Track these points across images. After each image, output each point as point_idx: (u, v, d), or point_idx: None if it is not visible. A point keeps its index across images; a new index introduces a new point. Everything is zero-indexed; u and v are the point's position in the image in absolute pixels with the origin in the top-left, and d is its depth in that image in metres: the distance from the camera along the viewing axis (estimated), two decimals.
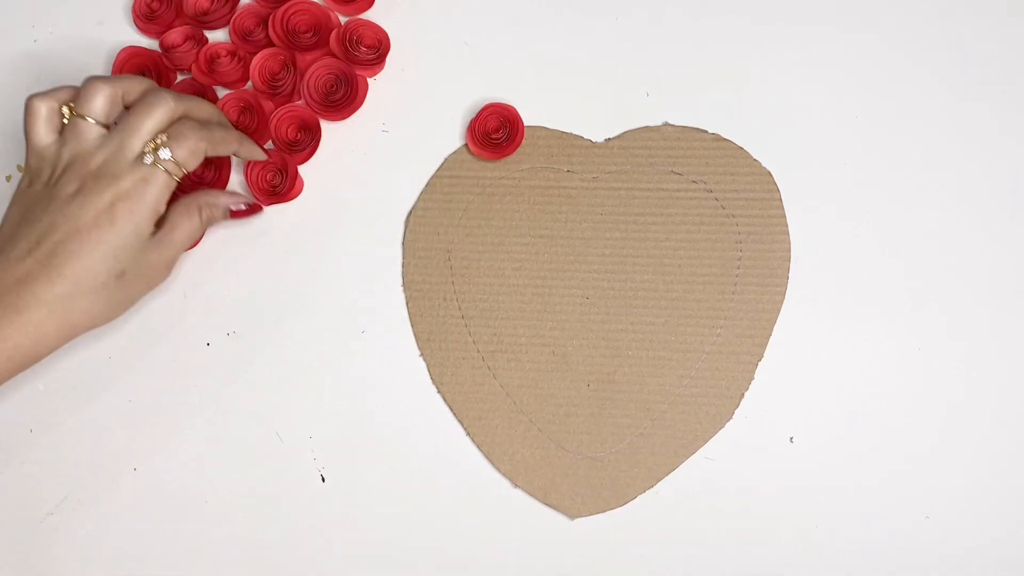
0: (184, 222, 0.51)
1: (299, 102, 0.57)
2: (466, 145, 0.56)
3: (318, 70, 0.57)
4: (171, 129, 0.49)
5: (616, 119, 0.56)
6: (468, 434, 0.54)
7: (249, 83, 0.58)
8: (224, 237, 0.57)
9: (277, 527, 0.54)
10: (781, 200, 0.55)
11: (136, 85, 0.50)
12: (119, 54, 0.58)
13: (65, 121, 0.49)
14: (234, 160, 0.58)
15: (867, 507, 0.52)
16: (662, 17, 0.58)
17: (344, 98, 0.57)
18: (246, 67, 0.58)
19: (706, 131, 0.56)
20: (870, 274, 0.54)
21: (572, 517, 0.53)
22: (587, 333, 0.54)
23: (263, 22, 0.58)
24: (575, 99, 0.57)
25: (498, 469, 0.54)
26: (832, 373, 0.53)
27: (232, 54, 0.57)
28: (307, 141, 0.57)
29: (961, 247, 0.54)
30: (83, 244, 0.47)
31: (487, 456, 0.54)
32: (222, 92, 0.58)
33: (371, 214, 0.57)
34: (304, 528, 0.54)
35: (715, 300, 0.54)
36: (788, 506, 0.52)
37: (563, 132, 0.56)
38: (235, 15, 0.58)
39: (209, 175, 0.57)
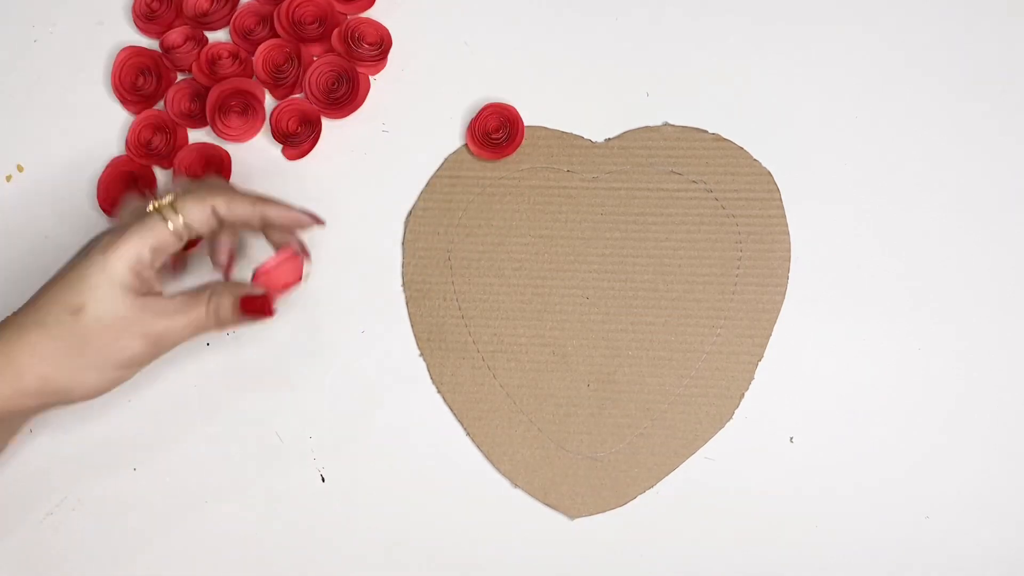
0: (184, 300, 0.45)
1: (299, 95, 0.57)
2: (466, 145, 0.56)
3: (320, 67, 0.57)
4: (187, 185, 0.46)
5: (616, 119, 0.56)
6: (468, 434, 0.54)
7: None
8: None
9: (277, 527, 0.54)
10: (781, 200, 0.55)
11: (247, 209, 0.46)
12: (119, 54, 0.58)
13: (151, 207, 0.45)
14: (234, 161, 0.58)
15: (867, 507, 0.52)
16: (662, 17, 0.58)
17: (346, 96, 0.57)
18: (247, 67, 0.58)
19: (706, 131, 0.56)
20: (870, 274, 0.54)
21: (572, 517, 0.53)
22: (587, 333, 0.54)
23: (264, 21, 0.58)
24: (575, 99, 0.57)
25: (498, 469, 0.54)
26: (832, 373, 0.53)
27: (233, 55, 0.57)
28: (307, 134, 0.57)
29: (961, 247, 0.54)
30: (54, 277, 0.44)
31: (487, 456, 0.54)
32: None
33: (371, 214, 0.57)
34: (304, 528, 0.54)
35: (715, 300, 0.54)
36: (788, 506, 0.52)
37: (563, 132, 0.56)
38: (235, 14, 0.58)
39: (209, 175, 0.57)
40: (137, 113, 0.58)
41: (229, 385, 0.55)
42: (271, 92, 0.58)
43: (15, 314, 0.44)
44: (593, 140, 0.56)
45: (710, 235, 0.54)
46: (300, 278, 0.49)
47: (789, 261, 0.54)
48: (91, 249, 0.44)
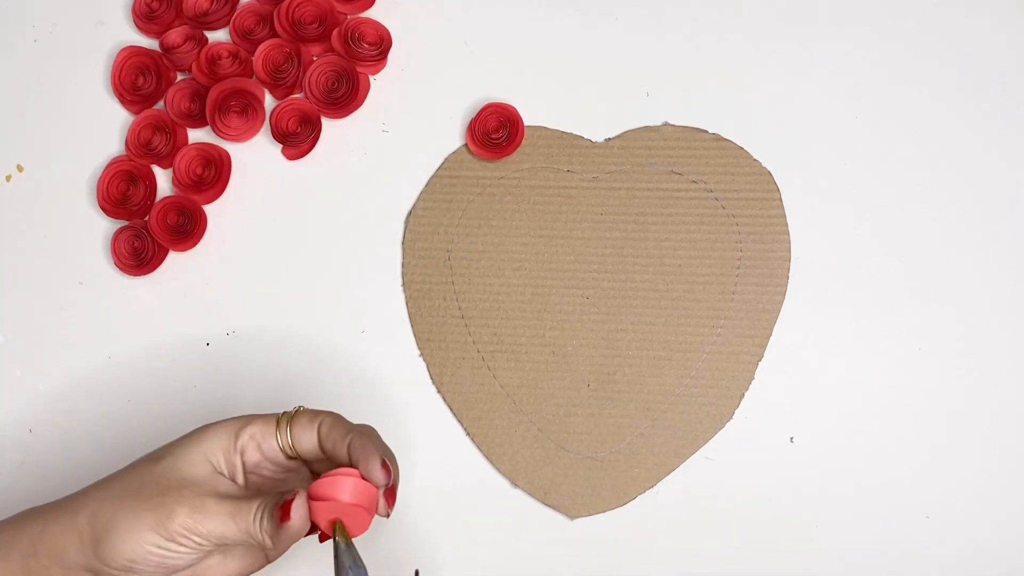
0: (245, 497, 0.42)
1: (299, 95, 0.57)
2: (466, 145, 0.56)
3: (320, 67, 0.57)
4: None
5: (616, 119, 0.56)
6: (468, 434, 0.54)
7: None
8: (224, 236, 0.57)
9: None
10: (781, 200, 0.55)
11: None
12: (119, 54, 0.58)
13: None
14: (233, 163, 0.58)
15: (867, 507, 0.52)
16: (662, 17, 0.58)
17: (346, 95, 0.57)
18: (247, 67, 0.58)
19: (706, 131, 0.56)
20: (870, 274, 0.54)
21: (572, 517, 0.53)
22: (587, 333, 0.54)
23: (264, 21, 0.58)
24: (575, 99, 0.57)
25: (498, 469, 0.54)
26: (832, 373, 0.53)
27: (233, 55, 0.57)
28: (307, 134, 0.57)
29: (961, 247, 0.54)
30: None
31: (487, 456, 0.54)
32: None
33: (371, 214, 0.57)
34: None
35: (715, 300, 0.54)
36: (788, 506, 0.52)
37: (563, 132, 0.56)
38: (235, 14, 0.58)
39: (209, 175, 0.57)
40: (137, 113, 0.58)
41: (229, 385, 0.55)
42: (271, 92, 0.58)
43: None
44: (593, 140, 0.56)
45: (710, 235, 0.54)
46: (360, 506, 0.40)
47: (789, 261, 0.54)
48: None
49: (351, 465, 0.41)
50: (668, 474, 0.53)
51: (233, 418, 0.44)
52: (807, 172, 0.55)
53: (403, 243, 0.56)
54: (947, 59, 0.56)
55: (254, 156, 0.58)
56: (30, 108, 0.59)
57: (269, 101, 0.58)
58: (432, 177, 0.56)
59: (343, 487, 0.40)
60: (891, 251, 0.54)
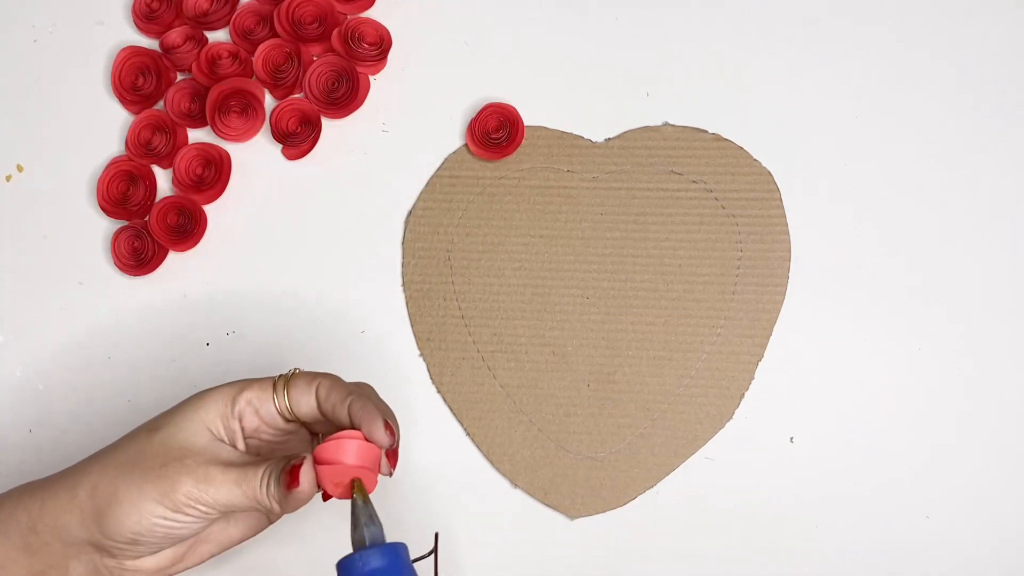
0: (250, 462, 0.42)
1: (299, 95, 0.57)
2: (466, 145, 0.56)
3: (320, 67, 0.57)
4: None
5: (616, 119, 0.56)
6: (468, 434, 0.54)
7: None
8: (224, 236, 0.57)
9: (276, 527, 0.54)
10: (781, 200, 0.55)
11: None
12: (119, 54, 0.58)
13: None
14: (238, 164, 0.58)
15: (867, 507, 0.52)
16: (662, 17, 0.58)
17: (346, 95, 0.57)
18: (247, 67, 0.58)
19: (706, 131, 0.56)
20: (870, 274, 0.54)
21: (572, 517, 0.53)
22: (587, 333, 0.54)
23: (264, 21, 0.58)
24: (575, 99, 0.57)
25: (498, 469, 0.54)
26: (832, 373, 0.53)
27: (233, 55, 0.57)
28: (307, 134, 0.57)
29: (961, 247, 0.54)
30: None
31: (487, 456, 0.54)
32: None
33: (371, 214, 0.57)
34: (304, 528, 0.54)
35: (715, 300, 0.54)
36: (788, 506, 0.52)
37: (563, 132, 0.56)
38: (235, 14, 0.58)
39: (209, 175, 0.57)
40: (137, 113, 0.58)
41: None
42: (271, 92, 0.58)
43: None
44: (593, 140, 0.56)
45: (710, 235, 0.54)
46: (365, 467, 0.41)
47: (789, 261, 0.54)
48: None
49: (352, 427, 0.41)
50: (668, 474, 0.53)
51: (228, 384, 0.43)
52: (807, 172, 0.55)
53: (403, 243, 0.56)
54: (947, 59, 0.56)
55: (254, 156, 0.58)
56: (30, 108, 0.59)
57: (269, 101, 0.58)
58: (432, 177, 0.56)
59: (348, 450, 0.40)
60: (891, 251, 0.54)
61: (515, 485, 0.53)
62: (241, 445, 0.43)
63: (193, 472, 0.40)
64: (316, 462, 0.41)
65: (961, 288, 0.53)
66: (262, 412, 0.43)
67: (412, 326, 0.55)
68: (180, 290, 0.56)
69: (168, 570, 0.43)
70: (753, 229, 0.54)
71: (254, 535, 0.45)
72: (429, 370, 0.55)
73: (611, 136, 0.56)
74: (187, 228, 0.56)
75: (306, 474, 0.40)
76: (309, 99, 0.57)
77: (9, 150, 0.59)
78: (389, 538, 0.40)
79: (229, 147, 0.58)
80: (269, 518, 0.44)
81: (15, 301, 0.57)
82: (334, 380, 0.43)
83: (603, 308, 0.54)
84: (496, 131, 0.56)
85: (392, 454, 0.42)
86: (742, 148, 0.55)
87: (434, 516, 0.53)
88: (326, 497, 0.42)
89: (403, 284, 0.56)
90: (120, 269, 0.56)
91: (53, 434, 0.55)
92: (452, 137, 0.57)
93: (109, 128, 0.59)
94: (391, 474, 0.43)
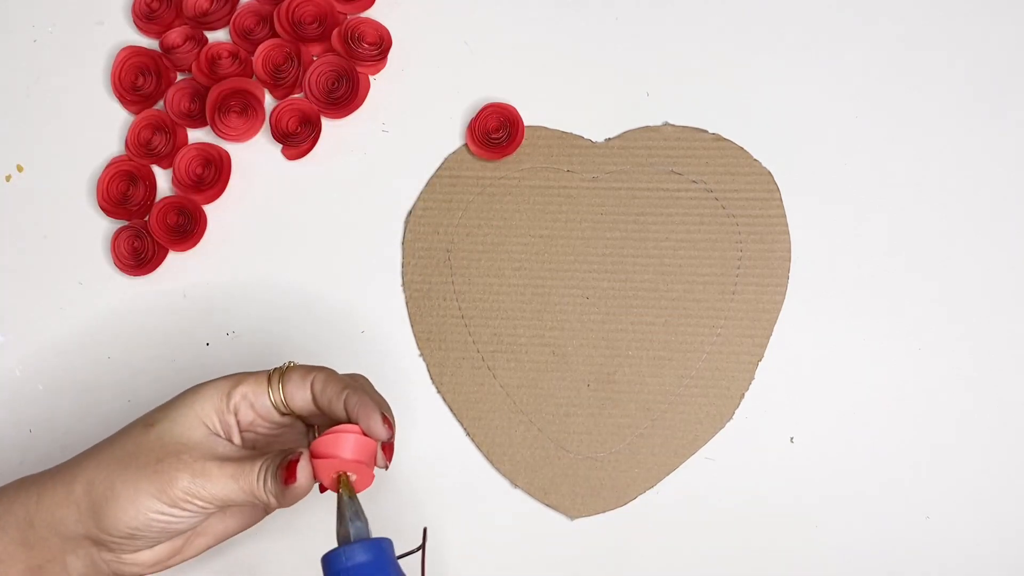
0: (247, 456, 0.42)
1: (299, 95, 0.57)
2: (466, 145, 0.56)
3: (320, 67, 0.57)
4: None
5: (616, 119, 0.56)
6: (468, 434, 0.54)
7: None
8: (224, 236, 0.57)
9: (276, 527, 0.54)
10: (781, 200, 0.55)
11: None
12: (119, 54, 0.58)
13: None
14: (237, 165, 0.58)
15: (867, 507, 0.52)
16: (662, 17, 0.58)
17: (346, 96, 0.57)
18: (247, 67, 0.58)
19: (706, 131, 0.56)
20: (870, 274, 0.54)
21: (572, 517, 0.53)
22: (587, 333, 0.54)
23: (263, 21, 0.58)
24: (575, 99, 0.57)
25: (498, 469, 0.54)
26: (832, 373, 0.53)
27: (233, 54, 0.57)
28: (307, 134, 0.57)
29: (961, 247, 0.54)
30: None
31: (487, 456, 0.54)
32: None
33: (371, 214, 0.57)
34: (304, 528, 0.54)
35: (715, 300, 0.54)
36: (788, 506, 0.52)
37: (563, 132, 0.56)
38: (235, 14, 0.58)
39: (209, 175, 0.57)
40: (137, 113, 0.58)
41: None
42: (271, 92, 0.58)
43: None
44: (593, 140, 0.56)
45: (710, 235, 0.54)
46: (362, 462, 0.41)
47: (789, 261, 0.54)
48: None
49: (349, 421, 0.41)
50: (668, 474, 0.53)
51: (223, 377, 0.43)
52: (807, 172, 0.55)
53: (403, 243, 0.56)
54: (948, 59, 0.56)
55: (254, 156, 0.58)
56: (30, 108, 0.59)
57: (269, 101, 0.58)
58: (432, 177, 0.57)
59: (345, 444, 0.40)
60: (891, 251, 0.54)
61: (515, 485, 0.53)
62: (237, 439, 0.43)
63: (190, 467, 0.40)
64: (313, 456, 0.41)
65: (961, 288, 0.53)
66: (257, 406, 0.43)
67: (412, 326, 0.55)
68: (180, 290, 0.56)
69: (165, 563, 0.43)
70: (753, 229, 0.54)
71: (251, 526, 0.45)
72: (429, 370, 0.55)
73: (611, 136, 0.56)
74: (187, 228, 0.56)
75: (303, 469, 0.40)
76: (309, 99, 0.57)
77: (9, 150, 0.59)
78: (384, 534, 0.40)
79: (229, 147, 0.58)
80: (266, 510, 0.45)
81: (15, 301, 0.57)
82: (329, 373, 0.43)
83: (603, 308, 0.54)
84: (496, 131, 0.56)
85: (388, 447, 0.43)
86: (742, 148, 0.55)
87: (434, 516, 0.53)
88: (323, 489, 0.42)
89: (403, 284, 0.56)
90: (120, 269, 0.56)
91: (53, 434, 0.55)
92: (452, 137, 0.57)
93: (109, 128, 0.59)
94: (387, 467, 0.43)
